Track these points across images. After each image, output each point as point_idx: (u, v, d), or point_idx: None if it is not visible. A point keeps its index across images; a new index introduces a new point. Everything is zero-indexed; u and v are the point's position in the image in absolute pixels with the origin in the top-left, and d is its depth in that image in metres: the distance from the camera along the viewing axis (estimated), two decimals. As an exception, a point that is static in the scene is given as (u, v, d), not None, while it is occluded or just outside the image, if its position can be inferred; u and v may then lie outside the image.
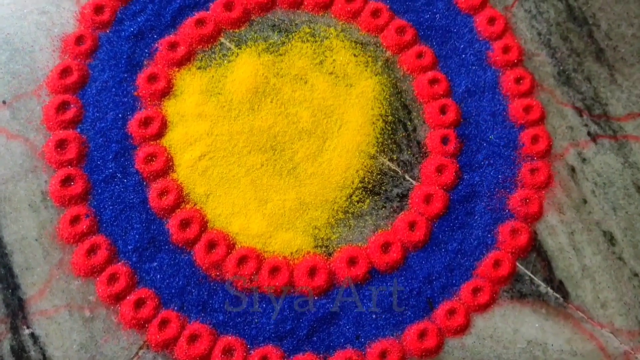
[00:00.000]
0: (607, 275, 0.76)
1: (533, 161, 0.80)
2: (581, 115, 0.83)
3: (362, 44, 0.84)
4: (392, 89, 0.82)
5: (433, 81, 0.82)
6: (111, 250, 0.72)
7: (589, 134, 0.82)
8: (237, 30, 0.83)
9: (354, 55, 0.83)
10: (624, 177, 0.80)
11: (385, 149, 0.79)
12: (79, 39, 0.80)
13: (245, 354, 0.70)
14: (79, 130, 0.77)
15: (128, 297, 0.71)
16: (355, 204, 0.77)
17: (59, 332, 0.69)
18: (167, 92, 0.80)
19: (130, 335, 0.70)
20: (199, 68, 0.81)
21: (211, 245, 0.74)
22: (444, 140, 0.80)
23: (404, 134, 0.80)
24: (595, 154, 0.81)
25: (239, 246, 0.75)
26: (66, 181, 0.74)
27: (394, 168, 0.79)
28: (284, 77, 0.81)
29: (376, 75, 0.83)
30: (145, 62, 0.80)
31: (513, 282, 0.75)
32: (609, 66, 0.85)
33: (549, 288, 0.75)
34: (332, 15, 0.85)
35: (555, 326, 0.74)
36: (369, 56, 0.84)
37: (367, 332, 0.73)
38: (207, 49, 0.82)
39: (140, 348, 0.69)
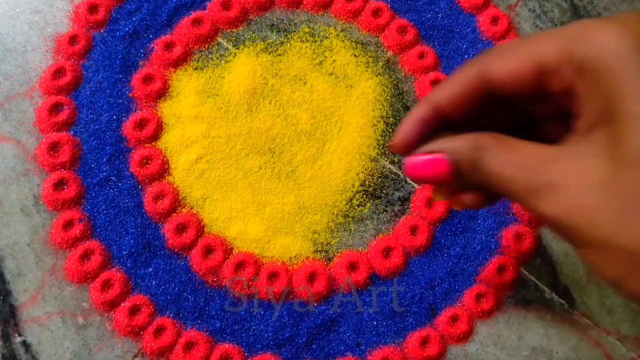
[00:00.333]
0: (613, 280, 0.74)
1: (537, 164, 0.78)
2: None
3: (362, 44, 0.82)
4: (393, 90, 0.81)
5: (435, 82, 0.80)
6: (105, 255, 0.71)
7: (594, 136, 0.80)
8: (234, 30, 0.81)
9: (354, 55, 0.82)
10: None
11: (387, 152, 0.78)
12: (73, 39, 0.78)
13: (242, 362, 0.69)
14: (72, 132, 0.75)
15: (122, 304, 0.69)
16: (356, 207, 0.76)
17: (52, 339, 0.67)
18: (163, 93, 0.78)
19: (124, 343, 0.68)
20: (196, 69, 0.79)
21: (208, 251, 0.72)
22: (447, 143, 0.78)
23: (405, 136, 0.79)
24: (600, 157, 0.79)
25: (237, 251, 0.73)
26: (59, 185, 0.72)
27: (396, 171, 0.77)
28: (283, 78, 0.80)
29: (377, 75, 0.81)
30: (140, 63, 0.78)
31: (517, 287, 0.74)
32: (615, 67, 0.84)
33: (554, 294, 0.74)
34: (332, 15, 0.83)
35: (560, 333, 0.72)
36: (369, 56, 0.82)
37: (367, 340, 0.71)
38: (204, 49, 0.80)
39: (135, 356, 0.68)
